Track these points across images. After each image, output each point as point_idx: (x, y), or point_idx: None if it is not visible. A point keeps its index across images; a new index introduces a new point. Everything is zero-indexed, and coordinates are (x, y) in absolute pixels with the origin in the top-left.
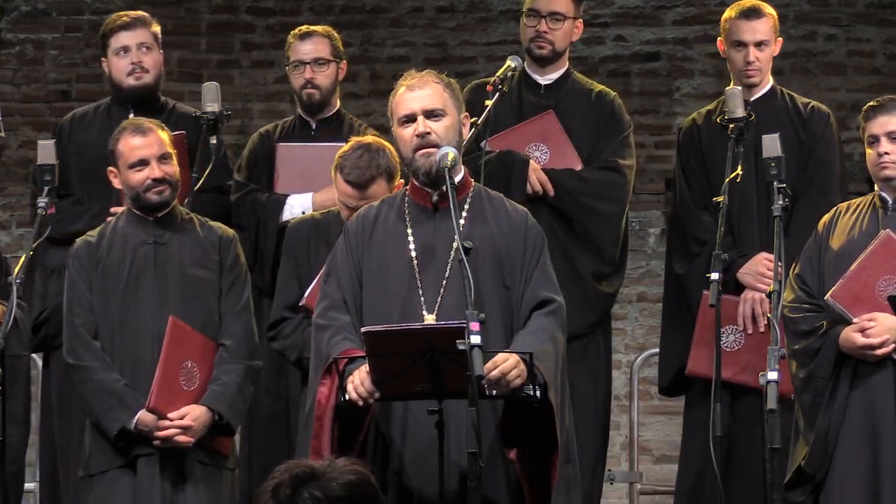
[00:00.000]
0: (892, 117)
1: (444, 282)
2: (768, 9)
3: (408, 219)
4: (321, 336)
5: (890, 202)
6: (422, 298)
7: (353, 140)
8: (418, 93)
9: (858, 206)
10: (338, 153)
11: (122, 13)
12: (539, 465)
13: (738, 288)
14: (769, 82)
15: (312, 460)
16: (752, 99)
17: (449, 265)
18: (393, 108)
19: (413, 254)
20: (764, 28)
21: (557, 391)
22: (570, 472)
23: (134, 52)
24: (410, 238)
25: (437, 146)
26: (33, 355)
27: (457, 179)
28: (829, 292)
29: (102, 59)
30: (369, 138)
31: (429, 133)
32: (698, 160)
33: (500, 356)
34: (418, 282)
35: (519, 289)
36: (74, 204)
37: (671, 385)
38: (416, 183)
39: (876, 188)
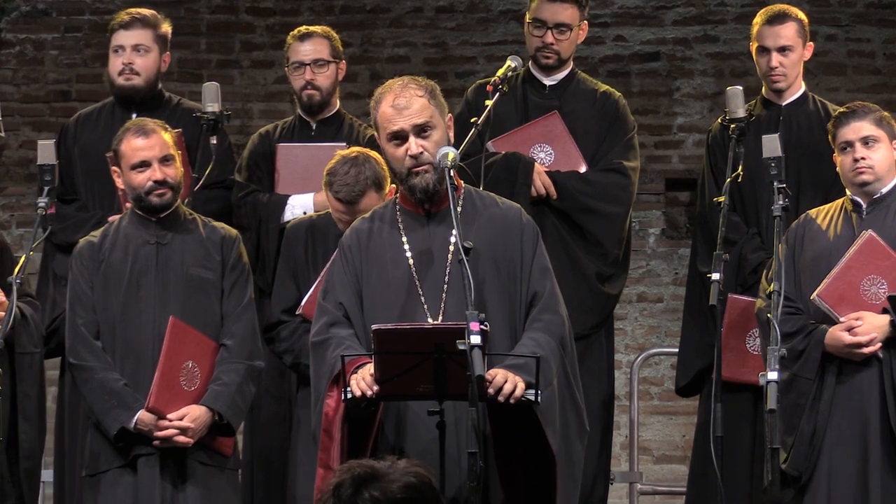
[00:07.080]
0: (864, 123)
1: (445, 286)
2: (796, 13)
3: (401, 227)
4: (322, 351)
5: (864, 206)
6: (424, 305)
7: (339, 154)
8: (405, 111)
9: (829, 211)
10: (325, 169)
11: (129, 10)
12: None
13: None
14: (801, 88)
15: (374, 460)
16: (784, 104)
17: (448, 268)
18: (379, 123)
19: (410, 261)
20: (788, 33)
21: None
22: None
23: (127, 53)
24: (406, 246)
25: (430, 163)
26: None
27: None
28: (816, 291)
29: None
30: (355, 150)
31: (422, 153)
32: (726, 161)
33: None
34: (419, 288)
35: (520, 288)
36: (79, 210)
37: (689, 385)
38: (406, 193)
39: (848, 193)
